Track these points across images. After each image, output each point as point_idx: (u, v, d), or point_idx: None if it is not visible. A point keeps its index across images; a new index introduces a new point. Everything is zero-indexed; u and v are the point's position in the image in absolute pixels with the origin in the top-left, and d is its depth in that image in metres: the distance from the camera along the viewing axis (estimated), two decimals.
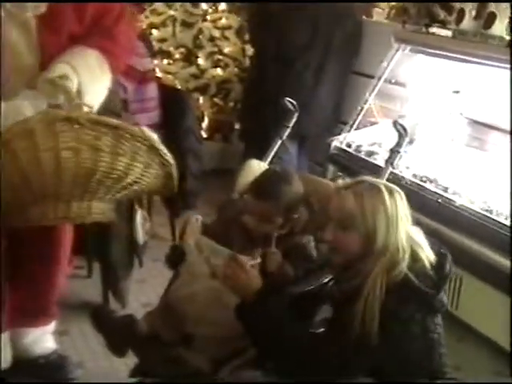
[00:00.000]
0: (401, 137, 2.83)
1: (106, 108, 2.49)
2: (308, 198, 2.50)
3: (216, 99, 5.80)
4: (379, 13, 5.64)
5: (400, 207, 2.02)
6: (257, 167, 2.82)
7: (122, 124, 1.92)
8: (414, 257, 2.00)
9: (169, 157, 2.03)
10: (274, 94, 3.80)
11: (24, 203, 2.00)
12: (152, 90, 4.14)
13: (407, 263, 1.97)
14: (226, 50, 5.77)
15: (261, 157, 3.01)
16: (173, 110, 4.18)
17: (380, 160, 3.81)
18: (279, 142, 3.09)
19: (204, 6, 5.71)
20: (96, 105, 2.39)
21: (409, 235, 2.03)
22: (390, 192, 2.03)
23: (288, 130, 3.12)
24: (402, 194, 2.06)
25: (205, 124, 5.77)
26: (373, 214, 2.00)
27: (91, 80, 2.31)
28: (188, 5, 5.65)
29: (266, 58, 4.56)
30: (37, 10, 2.35)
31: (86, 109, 2.17)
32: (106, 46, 2.48)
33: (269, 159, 3.02)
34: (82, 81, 2.28)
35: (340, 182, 2.20)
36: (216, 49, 5.75)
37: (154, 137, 2.03)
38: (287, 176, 2.48)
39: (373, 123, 4.35)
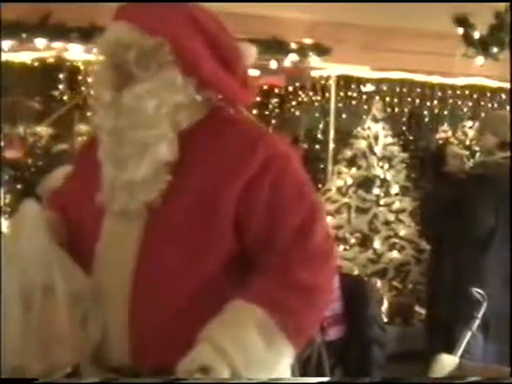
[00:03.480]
0: None
1: None
2: None
3: (394, 282, 5.79)
4: None
5: None
6: (448, 362, 2.76)
7: None
8: None
9: None
10: (461, 283, 3.71)
11: None
12: (335, 283, 4.16)
13: None
14: (402, 233, 5.82)
15: (446, 343, 2.95)
16: (355, 299, 4.18)
17: None
18: (469, 334, 3.03)
19: (377, 191, 5.86)
20: None
21: None
22: None
23: (477, 321, 3.06)
24: None
25: (385, 308, 5.73)
26: None
27: (249, 365, 1.54)
28: (361, 191, 5.82)
29: (449, 245, 4.46)
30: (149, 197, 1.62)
31: None
32: (280, 299, 1.57)
33: (459, 352, 2.95)
34: (237, 369, 1.53)
35: None
36: (391, 232, 5.82)
37: None
38: None
39: None
